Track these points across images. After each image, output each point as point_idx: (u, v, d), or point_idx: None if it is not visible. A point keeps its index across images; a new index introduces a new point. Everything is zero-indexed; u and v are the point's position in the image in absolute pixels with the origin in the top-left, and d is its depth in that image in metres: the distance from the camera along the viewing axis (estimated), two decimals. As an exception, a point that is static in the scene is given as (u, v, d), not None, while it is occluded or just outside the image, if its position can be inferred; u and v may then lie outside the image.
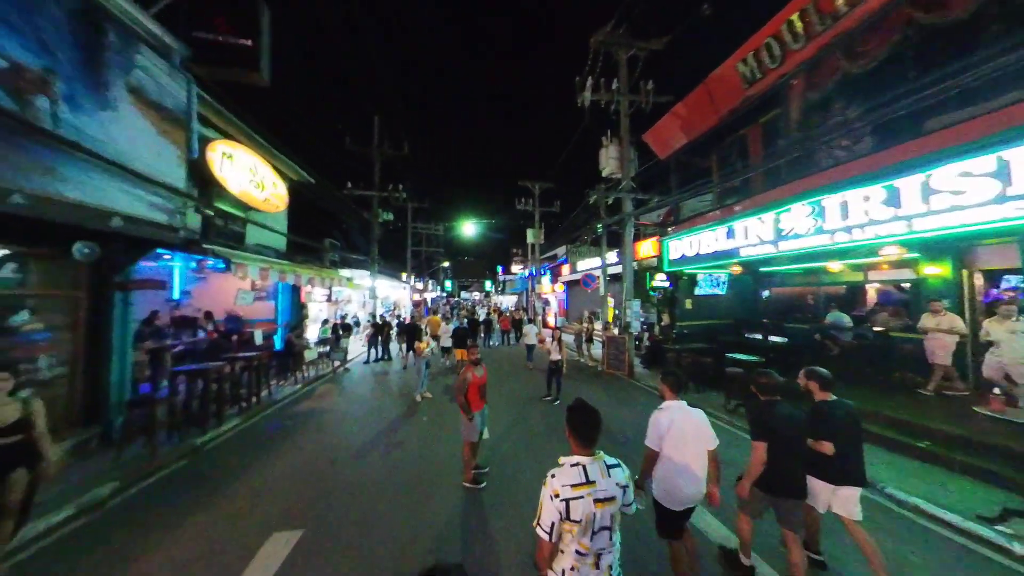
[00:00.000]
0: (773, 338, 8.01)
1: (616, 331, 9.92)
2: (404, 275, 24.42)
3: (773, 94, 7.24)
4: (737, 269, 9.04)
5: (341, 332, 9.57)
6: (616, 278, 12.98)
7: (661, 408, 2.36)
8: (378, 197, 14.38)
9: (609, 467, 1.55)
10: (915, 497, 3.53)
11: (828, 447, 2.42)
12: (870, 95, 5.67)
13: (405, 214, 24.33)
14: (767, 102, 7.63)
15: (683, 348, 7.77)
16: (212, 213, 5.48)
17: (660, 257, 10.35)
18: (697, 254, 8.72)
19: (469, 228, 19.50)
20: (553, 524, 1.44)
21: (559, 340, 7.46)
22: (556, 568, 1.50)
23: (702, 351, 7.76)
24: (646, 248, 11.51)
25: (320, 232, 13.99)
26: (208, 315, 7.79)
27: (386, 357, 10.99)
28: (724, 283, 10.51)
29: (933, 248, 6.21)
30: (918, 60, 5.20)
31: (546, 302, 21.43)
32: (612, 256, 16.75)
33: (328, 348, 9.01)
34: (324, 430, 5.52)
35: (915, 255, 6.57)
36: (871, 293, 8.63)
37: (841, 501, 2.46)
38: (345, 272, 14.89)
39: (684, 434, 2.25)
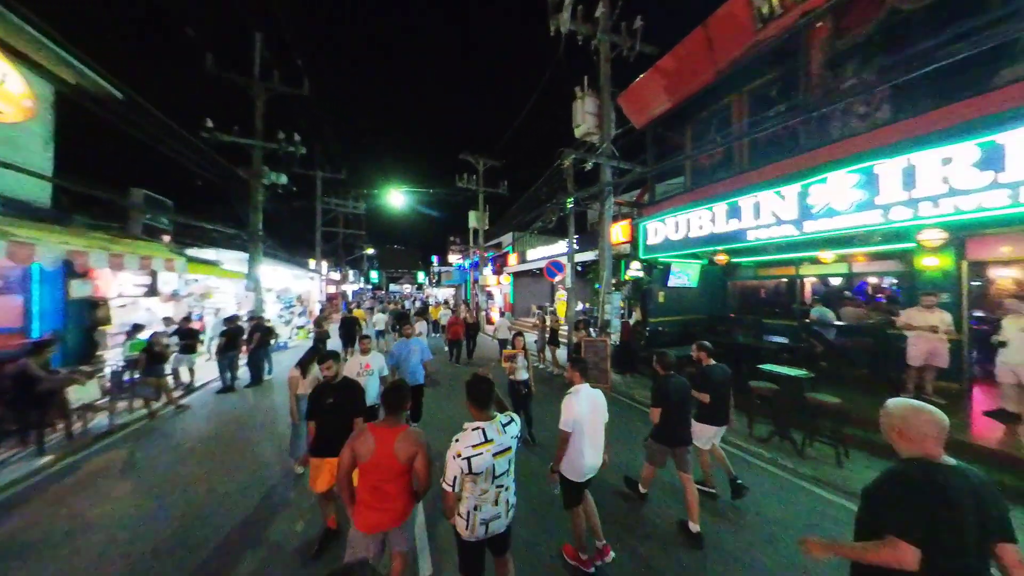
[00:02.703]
0: (774, 338, 6.98)
1: (581, 328, 8.10)
2: (313, 262, 19.58)
3: (788, 40, 5.90)
4: (723, 258, 7.91)
5: (174, 346, 5.80)
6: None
7: (572, 392, 2.55)
8: (261, 148, 10.17)
9: (504, 425, 1.93)
10: None
11: (705, 397, 3.36)
12: (918, 40, 4.51)
13: (314, 185, 19.46)
14: (773, 56, 6.34)
15: (682, 354, 6.17)
16: None
17: (634, 242, 8.82)
18: (686, 238, 7.27)
19: (398, 199, 15.62)
20: (455, 478, 1.78)
21: (524, 349, 5.21)
22: (462, 511, 1.84)
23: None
24: (615, 233, 9.93)
25: (170, 196, 9.31)
26: None
27: (257, 379, 7.25)
28: (695, 274, 9.45)
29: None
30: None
31: (489, 295, 19.10)
32: (564, 246, 15.14)
33: (136, 376, 5.19)
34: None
35: (911, 245, 5.92)
36: (838, 285, 8.35)
37: (705, 435, 3.43)
38: (209, 254, 10.41)
39: (590, 414, 2.50)
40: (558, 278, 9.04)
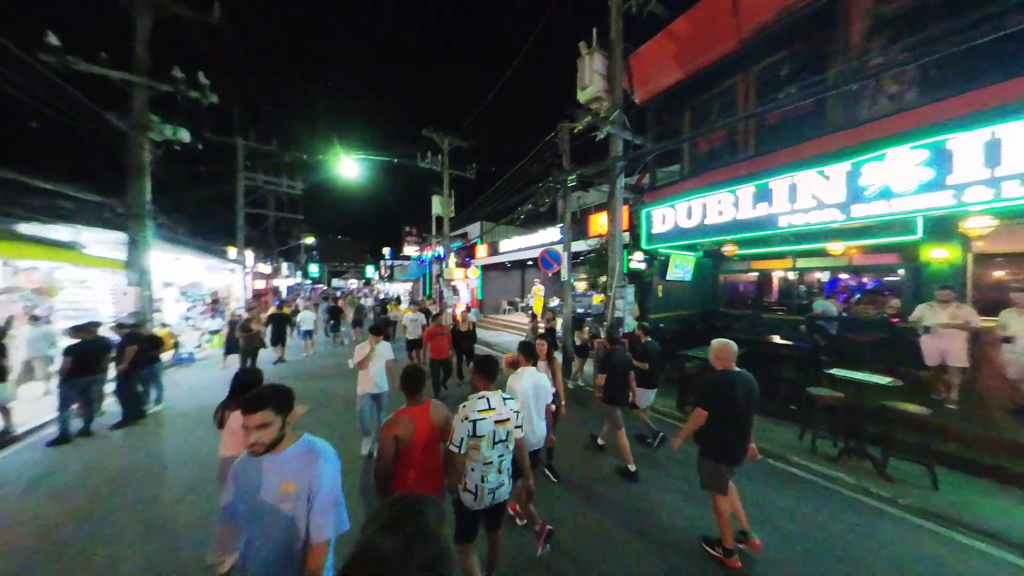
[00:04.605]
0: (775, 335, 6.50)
1: (583, 328, 7.05)
2: (234, 251, 15.99)
3: (827, 4, 5.31)
4: (731, 249, 7.37)
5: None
6: (527, 262, 10.21)
7: (516, 374, 2.79)
8: (145, 88, 7.37)
9: (505, 399, 2.17)
10: None
11: (644, 366, 4.39)
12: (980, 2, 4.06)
13: (235, 156, 15.86)
14: (797, 27, 5.76)
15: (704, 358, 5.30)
16: None
17: (635, 231, 7.95)
18: (701, 225, 6.51)
19: (348, 169, 12.62)
20: (463, 439, 1.97)
21: (549, 357, 3.99)
22: (470, 484, 2.03)
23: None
24: (606, 221, 9.00)
25: None
26: None
27: (130, 416, 4.81)
28: (691, 267, 8.92)
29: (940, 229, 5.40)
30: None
31: (454, 290, 17.33)
32: (544, 236, 14.02)
33: None
34: None
35: (917, 237, 5.78)
36: (825, 280, 8.31)
37: (646, 397, 4.51)
38: (59, 232, 7.39)
39: (534, 392, 2.74)
40: (554, 270, 7.83)
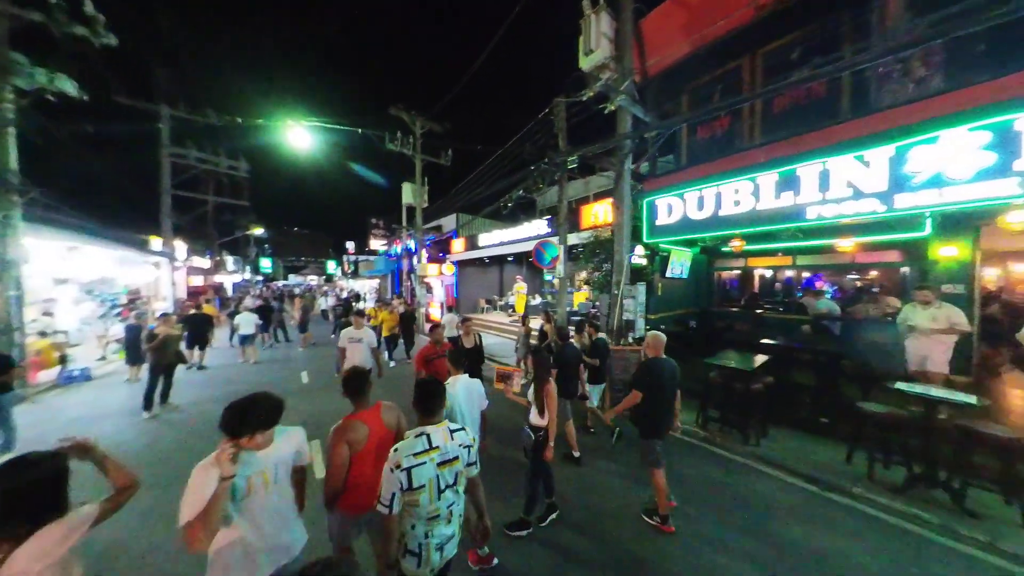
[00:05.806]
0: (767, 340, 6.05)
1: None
2: (159, 242, 13.50)
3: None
4: (740, 244, 6.85)
5: None
6: (520, 258, 9.26)
7: (450, 382, 2.55)
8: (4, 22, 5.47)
9: (453, 432, 1.69)
10: None
11: (595, 362, 4.64)
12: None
13: (158, 126, 13.33)
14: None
15: (735, 368, 4.59)
16: None
17: (633, 223, 7.21)
18: (714, 216, 5.87)
19: (300, 140, 10.33)
20: (394, 496, 1.48)
21: (539, 382, 3.08)
22: (411, 544, 1.54)
23: (768, 368, 4.77)
24: (600, 213, 8.23)
25: None
26: None
27: None
28: (688, 264, 8.39)
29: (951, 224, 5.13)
30: None
31: (428, 287, 15.92)
32: (527, 229, 13.08)
33: None
34: None
35: (925, 234, 5.52)
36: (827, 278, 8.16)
37: (594, 393, 4.81)
38: None
39: (467, 400, 2.62)
40: (550, 265, 6.88)
